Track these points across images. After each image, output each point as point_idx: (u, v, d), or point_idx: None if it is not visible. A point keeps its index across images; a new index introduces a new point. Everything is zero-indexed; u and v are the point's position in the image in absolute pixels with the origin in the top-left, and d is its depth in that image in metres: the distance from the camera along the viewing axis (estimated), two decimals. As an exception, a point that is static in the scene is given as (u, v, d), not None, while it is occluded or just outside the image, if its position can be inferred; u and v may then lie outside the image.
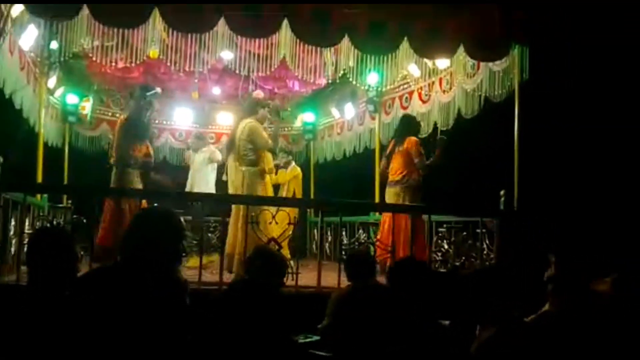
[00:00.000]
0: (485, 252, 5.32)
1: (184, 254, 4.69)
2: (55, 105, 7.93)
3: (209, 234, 7.87)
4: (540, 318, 2.86)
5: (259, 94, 6.58)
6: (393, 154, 6.34)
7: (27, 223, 5.03)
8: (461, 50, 5.33)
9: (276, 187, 7.03)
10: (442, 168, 6.34)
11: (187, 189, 8.00)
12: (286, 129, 9.74)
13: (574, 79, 5.69)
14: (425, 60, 6.11)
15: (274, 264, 3.39)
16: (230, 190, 6.18)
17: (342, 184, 8.62)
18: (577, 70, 5.65)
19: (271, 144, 6.10)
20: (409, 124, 6.49)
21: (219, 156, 8.23)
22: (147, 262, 2.21)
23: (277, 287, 2.88)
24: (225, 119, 9.57)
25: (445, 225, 5.89)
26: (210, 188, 7.98)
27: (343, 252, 6.23)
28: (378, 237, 6.08)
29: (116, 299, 2.10)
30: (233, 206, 5.80)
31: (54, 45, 5.88)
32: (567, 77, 5.68)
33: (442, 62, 6.10)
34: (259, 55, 5.87)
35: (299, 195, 8.26)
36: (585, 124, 5.78)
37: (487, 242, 5.35)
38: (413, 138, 6.26)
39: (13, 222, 4.88)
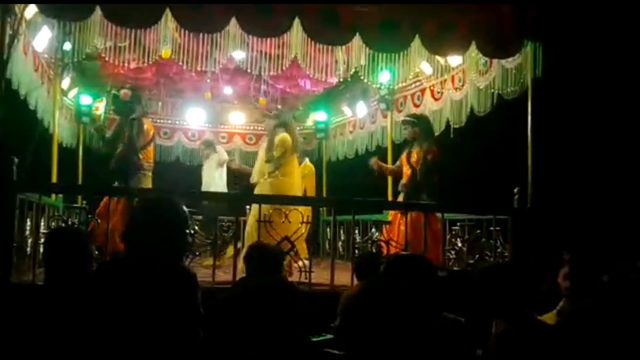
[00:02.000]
0: (499, 250, 5.29)
1: (197, 254, 4.70)
2: (69, 106, 7.99)
3: (223, 234, 7.89)
4: (559, 315, 2.85)
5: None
6: (409, 156, 6.27)
7: (42, 223, 5.08)
8: (473, 47, 5.30)
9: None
10: (455, 165, 6.31)
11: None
12: (298, 128, 9.75)
13: (588, 75, 5.64)
14: (437, 57, 6.09)
15: (267, 257, 3.40)
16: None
17: (354, 182, 8.61)
18: (591, 66, 5.61)
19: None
20: (425, 126, 6.25)
21: (225, 156, 8.30)
22: (151, 253, 2.19)
23: (285, 284, 2.88)
24: (237, 119, 9.60)
25: (458, 224, 5.86)
26: (222, 191, 8.04)
27: (356, 251, 6.23)
28: (388, 235, 6.04)
29: (123, 293, 2.10)
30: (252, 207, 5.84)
31: (67, 46, 5.92)
32: (581, 73, 5.63)
33: (454, 60, 6.07)
34: (270, 55, 5.89)
35: (310, 193, 8.27)
36: (599, 121, 5.74)
37: (501, 239, 5.32)
38: (434, 147, 6.05)
39: (29, 222, 4.93)
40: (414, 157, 6.05)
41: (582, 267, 3.06)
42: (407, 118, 6.50)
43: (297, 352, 2.25)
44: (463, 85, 6.37)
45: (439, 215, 5.64)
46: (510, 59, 5.50)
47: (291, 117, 6.66)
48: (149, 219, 2.28)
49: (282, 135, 6.23)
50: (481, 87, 5.96)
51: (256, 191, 6.30)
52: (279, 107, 7.00)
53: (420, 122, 6.24)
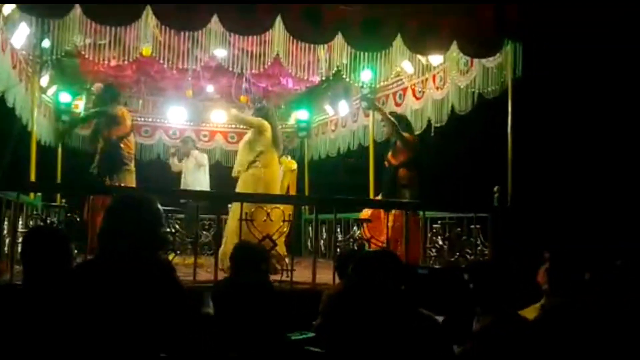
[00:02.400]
0: (479, 247, 5.34)
1: (178, 252, 4.67)
2: (48, 104, 7.90)
3: (204, 232, 7.87)
4: (542, 309, 2.88)
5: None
6: (393, 153, 6.32)
7: (20, 222, 5.01)
8: (454, 46, 5.34)
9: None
10: (435, 164, 6.35)
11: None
12: (280, 126, 9.72)
13: (567, 75, 5.71)
14: (419, 57, 6.12)
15: (251, 256, 3.40)
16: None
17: (336, 181, 8.63)
18: (570, 66, 5.68)
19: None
20: (404, 123, 6.44)
21: (205, 161, 8.31)
22: (126, 251, 2.19)
23: (265, 283, 2.89)
24: (219, 117, 9.56)
25: (439, 222, 5.90)
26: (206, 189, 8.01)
27: (337, 249, 6.24)
28: (369, 233, 6.07)
29: (99, 292, 2.09)
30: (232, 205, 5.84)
31: (46, 43, 5.86)
32: (560, 73, 5.70)
33: (436, 59, 6.10)
34: (252, 53, 5.88)
35: (292, 190, 8.27)
36: (578, 120, 5.81)
37: (481, 237, 5.37)
38: (413, 138, 6.17)
39: (6, 222, 4.87)
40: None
41: (562, 266, 3.11)
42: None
43: (277, 351, 2.26)
44: (444, 85, 6.41)
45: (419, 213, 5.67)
46: (490, 59, 5.56)
47: (274, 111, 6.67)
48: (123, 217, 2.28)
49: (261, 120, 6.32)
50: (462, 87, 6.01)
51: (238, 184, 6.28)
52: (264, 101, 6.98)
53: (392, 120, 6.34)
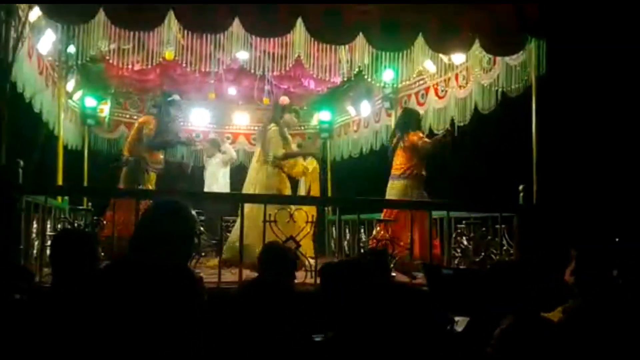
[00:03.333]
0: (504, 247, 5.29)
1: (202, 254, 4.71)
2: (74, 109, 8.01)
3: (227, 234, 7.91)
4: (564, 312, 2.84)
5: (284, 100, 6.73)
6: (396, 149, 6.37)
7: (48, 225, 5.10)
8: (477, 45, 5.30)
9: (293, 180, 7.05)
10: (459, 163, 6.32)
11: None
12: (302, 127, 9.75)
13: (592, 72, 5.63)
14: (441, 55, 6.09)
15: (283, 259, 3.41)
16: (246, 187, 6.41)
17: (359, 181, 8.61)
18: (595, 63, 5.59)
19: (279, 156, 6.46)
20: (408, 117, 6.51)
21: (234, 155, 8.36)
22: (158, 256, 2.20)
23: (288, 285, 2.89)
24: (241, 119, 9.61)
25: (464, 222, 5.85)
26: (225, 190, 8.05)
27: (361, 250, 6.24)
28: (379, 234, 6.09)
29: (127, 296, 2.10)
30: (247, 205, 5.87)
31: (72, 49, 5.95)
32: (585, 70, 5.62)
33: (458, 58, 6.06)
34: (274, 55, 5.90)
35: (315, 191, 8.27)
36: (603, 118, 5.72)
37: (507, 237, 5.31)
38: (417, 133, 6.31)
39: (35, 225, 4.95)
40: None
41: (588, 264, 3.06)
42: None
43: (301, 351, 2.26)
44: (467, 83, 6.36)
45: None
46: (514, 57, 5.50)
47: (279, 110, 6.71)
48: (159, 223, 2.28)
49: (273, 130, 6.43)
50: (485, 85, 5.95)
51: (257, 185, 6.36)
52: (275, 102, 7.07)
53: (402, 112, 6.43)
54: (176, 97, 7.00)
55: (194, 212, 2.41)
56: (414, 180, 6.22)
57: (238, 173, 8.51)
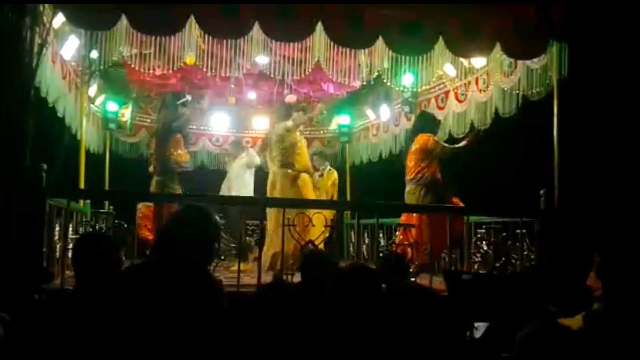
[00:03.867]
0: (525, 252, 5.23)
1: (223, 258, 4.73)
2: (96, 113, 8.12)
3: (247, 238, 7.95)
4: (588, 317, 2.80)
5: (291, 98, 6.73)
6: (407, 153, 6.35)
7: (70, 228, 5.16)
8: (497, 48, 5.26)
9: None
10: (480, 168, 6.28)
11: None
12: (321, 131, 9.76)
13: (615, 75, 5.55)
14: (461, 59, 6.06)
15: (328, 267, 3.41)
16: (269, 191, 6.42)
17: (378, 186, 8.59)
18: (618, 66, 5.51)
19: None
20: (423, 121, 6.49)
21: (257, 160, 8.35)
22: (180, 261, 2.22)
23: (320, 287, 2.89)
24: (261, 124, 9.64)
25: (484, 226, 5.81)
26: (249, 193, 8.05)
27: (380, 254, 6.22)
28: (399, 238, 6.08)
29: (149, 298, 2.12)
30: (268, 209, 5.89)
31: (94, 54, 6.03)
32: (608, 73, 5.54)
33: (479, 61, 6.03)
34: (293, 59, 5.92)
35: (334, 195, 8.29)
36: (627, 121, 5.63)
37: (528, 242, 5.26)
38: (425, 135, 6.26)
39: (57, 228, 5.01)
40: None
41: (614, 268, 3.01)
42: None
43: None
44: (487, 87, 6.32)
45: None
46: (535, 60, 5.45)
47: (286, 109, 6.75)
48: (183, 228, 2.31)
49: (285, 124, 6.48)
50: (506, 89, 5.91)
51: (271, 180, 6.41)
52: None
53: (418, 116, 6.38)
54: (189, 97, 7.05)
55: (217, 218, 2.44)
56: (425, 184, 6.17)
57: (259, 176, 8.56)
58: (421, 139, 6.25)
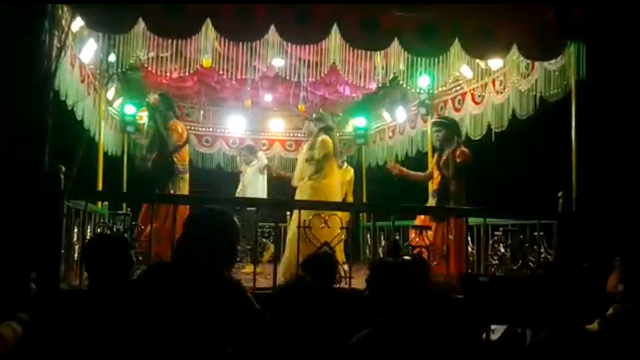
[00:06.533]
0: (543, 255, 5.19)
1: (238, 260, 4.74)
2: (114, 116, 8.20)
3: (263, 239, 7.97)
4: (607, 321, 2.77)
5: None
6: (440, 163, 6.21)
7: (88, 230, 5.21)
8: (514, 50, 5.22)
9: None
10: (497, 170, 6.23)
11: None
12: (338, 134, 9.76)
13: (634, 77, 5.48)
14: (478, 61, 6.02)
15: (324, 269, 3.41)
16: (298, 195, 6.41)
17: (394, 188, 8.56)
18: (637, 67, 5.45)
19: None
20: (454, 131, 6.23)
21: (265, 161, 8.40)
22: (199, 263, 2.22)
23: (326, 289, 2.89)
24: (277, 126, 9.68)
25: (501, 229, 5.76)
26: (263, 197, 8.09)
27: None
28: (413, 241, 6.01)
29: (165, 300, 2.13)
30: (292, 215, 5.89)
31: (112, 57, 6.09)
32: (627, 75, 5.47)
33: (495, 63, 5.99)
34: (309, 62, 5.93)
35: (349, 198, 8.26)
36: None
37: (545, 245, 5.21)
38: (467, 150, 5.99)
39: (76, 229, 5.06)
40: (443, 161, 6.02)
41: (635, 271, 2.97)
42: (437, 120, 6.52)
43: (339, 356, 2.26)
44: (504, 89, 6.28)
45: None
46: (552, 61, 5.40)
47: (332, 121, 6.70)
48: (203, 231, 2.31)
49: (324, 138, 6.29)
50: (523, 90, 5.86)
51: (297, 195, 6.34)
52: (321, 110, 7.05)
53: (447, 125, 6.21)
54: (156, 95, 7.01)
55: (237, 221, 2.45)
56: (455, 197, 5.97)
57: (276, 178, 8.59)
58: (470, 155, 5.97)
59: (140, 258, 4.80)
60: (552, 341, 2.29)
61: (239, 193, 8.42)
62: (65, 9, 4.76)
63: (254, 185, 8.30)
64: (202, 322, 2.13)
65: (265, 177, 8.45)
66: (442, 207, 5.95)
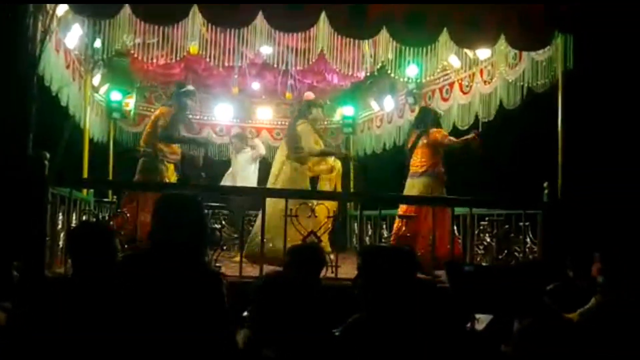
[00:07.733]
0: (528, 245, 5.23)
1: (225, 248, 4.73)
2: (100, 102, 8.12)
3: (250, 228, 7.95)
4: (586, 312, 2.80)
5: (309, 95, 6.70)
6: (416, 147, 6.28)
7: (73, 217, 5.17)
8: (502, 40, 5.23)
9: (314, 178, 7.04)
10: (483, 160, 6.26)
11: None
12: (325, 122, 9.74)
13: (620, 67, 5.51)
14: (466, 50, 6.02)
15: (309, 260, 3.40)
16: (270, 182, 6.40)
17: (382, 177, 8.58)
18: (624, 58, 5.48)
19: (314, 153, 6.39)
20: (428, 115, 6.45)
21: (263, 150, 8.34)
22: (171, 249, 2.23)
23: (313, 280, 2.89)
24: (265, 114, 9.63)
25: (487, 218, 5.80)
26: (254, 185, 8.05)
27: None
28: (400, 230, 6.05)
29: (143, 287, 2.13)
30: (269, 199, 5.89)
31: (98, 43, 6.02)
32: (613, 65, 5.51)
33: (483, 53, 6.00)
34: (297, 49, 5.90)
35: (338, 188, 8.25)
36: (632, 114, 5.61)
37: (531, 235, 5.25)
38: (437, 130, 6.23)
39: (61, 217, 5.03)
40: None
41: (615, 263, 3.01)
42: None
43: (323, 347, 2.26)
44: (492, 79, 6.29)
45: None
46: (540, 52, 5.42)
47: (307, 106, 6.65)
48: (167, 216, 2.32)
49: (303, 125, 6.34)
50: (511, 80, 5.88)
51: (279, 177, 6.35)
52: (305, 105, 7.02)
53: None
54: (190, 87, 7.00)
55: (203, 205, 2.45)
56: (436, 177, 6.15)
57: (262, 168, 8.53)
58: (438, 134, 6.17)
59: (126, 246, 4.77)
60: (533, 331, 2.31)
61: (227, 181, 8.35)
62: (49, -8, 4.69)
63: (244, 174, 8.24)
64: (183, 308, 2.14)
65: (257, 166, 8.38)
66: (429, 197, 5.98)
